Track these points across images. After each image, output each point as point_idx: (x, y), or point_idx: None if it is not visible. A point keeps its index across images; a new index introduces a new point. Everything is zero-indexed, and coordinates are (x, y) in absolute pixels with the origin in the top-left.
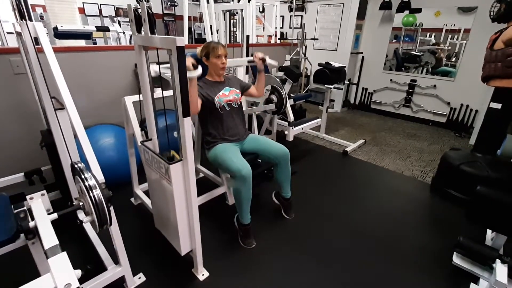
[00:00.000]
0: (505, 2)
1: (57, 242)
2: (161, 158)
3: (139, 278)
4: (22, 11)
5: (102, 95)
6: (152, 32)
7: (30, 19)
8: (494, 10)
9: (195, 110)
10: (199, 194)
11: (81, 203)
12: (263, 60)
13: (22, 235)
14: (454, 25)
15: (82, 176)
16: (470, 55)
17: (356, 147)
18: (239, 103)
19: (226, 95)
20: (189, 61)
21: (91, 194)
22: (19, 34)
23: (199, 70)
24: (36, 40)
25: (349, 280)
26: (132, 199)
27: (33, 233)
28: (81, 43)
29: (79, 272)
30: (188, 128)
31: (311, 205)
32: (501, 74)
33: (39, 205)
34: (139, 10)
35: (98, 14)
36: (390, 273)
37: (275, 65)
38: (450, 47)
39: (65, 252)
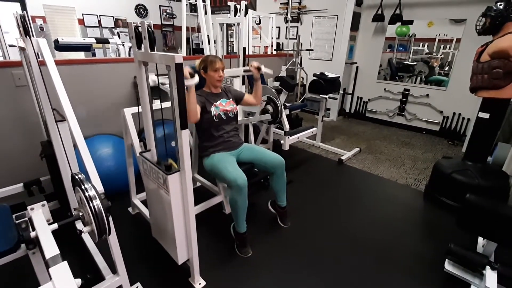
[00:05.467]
0: (490, 16)
1: (58, 251)
2: (159, 169)
3: (137, 287)
4: (27, 28)
5: (101, 105)
6: (152, 49)
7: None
8: (480, 24)
9: (194, 118)
10: (196, 203)
11: (80, 213)
12: (259, 68)
13: (23, 245)
14: (447, 35)
15: (83, 187)
16: (461, 65)
17: (351, 155)
18: (235, 112)
19: (222, 105)
20: (186, 70)
21: (91, 205)
22: (22, 49)
23: (196, 78)
24: (38, 54)
25: (344, 286)
26: (130, 209)
27: (34, 243)
28: (81, 54)
29: (79, 281)
30: (185, 140)
31: (306, 214)
32: (488, 85)
33: (39, 216)
34: (140, 28)
35: (98, 25)
36: (384, 280)
37: (270, 73)
38: (443, 56)
39: (65, 262)
